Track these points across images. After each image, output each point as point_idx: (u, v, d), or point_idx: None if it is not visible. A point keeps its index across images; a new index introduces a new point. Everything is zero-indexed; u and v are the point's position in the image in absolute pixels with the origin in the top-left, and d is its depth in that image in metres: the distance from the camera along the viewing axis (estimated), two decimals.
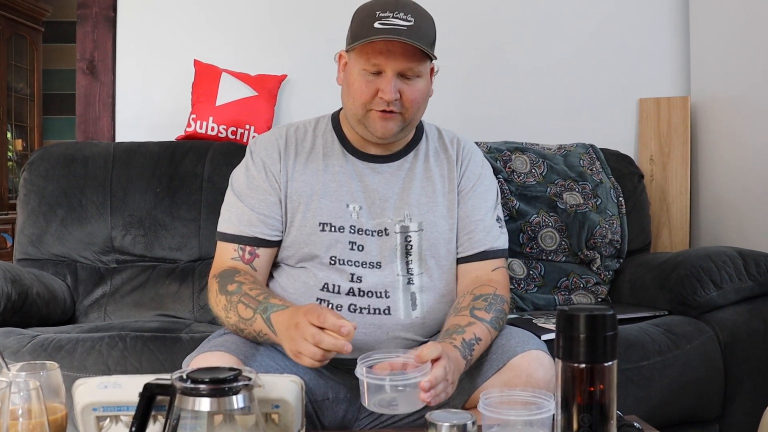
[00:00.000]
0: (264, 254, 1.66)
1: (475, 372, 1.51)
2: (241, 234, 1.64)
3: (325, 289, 1.62)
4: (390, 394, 1.29)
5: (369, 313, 1.62)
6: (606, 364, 0.97)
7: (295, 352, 1.34)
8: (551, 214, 2.55)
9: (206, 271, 2.40)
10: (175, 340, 1.96)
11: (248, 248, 1.64)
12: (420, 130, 1.76)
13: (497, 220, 1.74)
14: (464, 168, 1.74)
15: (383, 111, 1.59)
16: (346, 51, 1.64)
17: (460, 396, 1.51)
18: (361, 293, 1.62)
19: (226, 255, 1.65)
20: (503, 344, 1.55)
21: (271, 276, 1.72)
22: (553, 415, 1.09)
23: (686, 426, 2.09)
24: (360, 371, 1.30)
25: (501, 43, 3.02)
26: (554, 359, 1.01)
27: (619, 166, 2.76)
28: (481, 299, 1.59)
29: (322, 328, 1.31)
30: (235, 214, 1.66)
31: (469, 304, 1.58)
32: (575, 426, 0.98)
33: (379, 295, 1.62)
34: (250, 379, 1.06)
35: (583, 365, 0.97)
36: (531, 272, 2.52)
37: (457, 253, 1.70)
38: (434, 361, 1.31)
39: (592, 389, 0.97)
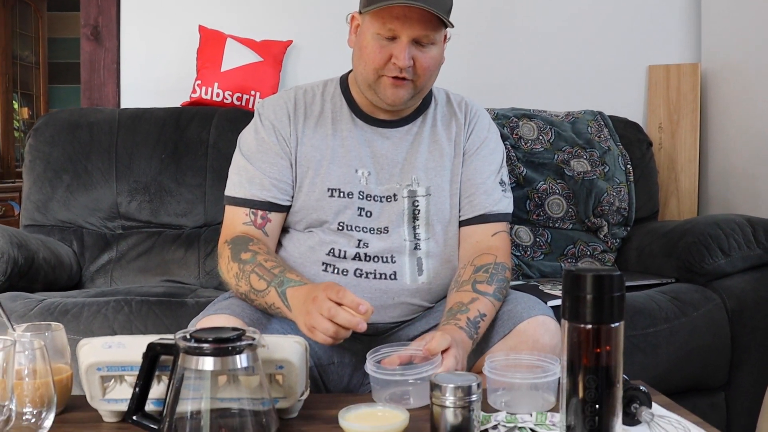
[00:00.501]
0: (275, 219, 1.64)
1: (481, 338, 1.50)
2: (252, 198, 1.61)
3: (330, 254, 1.61)
4: (402, 388, 1.28)
5: (375, 278, 1.61)
6: (613, 326, 0.96)
7: (309, 326, 1.33)
8: (558, 181, 2.54)
9: (212, 237, 2.43)
10: (181, 304, 1.96)
11: (260, 213, 1.61)
12: (429, 94, 1.74)
13: (501, 183, 1.72)
14: (470, 130, 1.72)
15: (395, 77, 1.56)
16: (360, 13, 1.60)
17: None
18: (367, 258, 1.61)
19: (237, 220, 1.62)
20: (509, 310, 1.54)
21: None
22: (559, 378, 1.07)
23: (692, 394, 2.09)
24: (370, 366, 1.29)
25: (509, 7, 2.99)
26: (560, 321, 1.00)
27: (628, 133, 2.75)
28: (482, 271, 1.58)
29: (339, 304, 1.29)
30: (245, 178, 1.63)
31: (471, 277, 1.57)
32: (581, 388, 0.96)
33: (385, 260, 1.62)
34: (253, 339, 1.06)
35: (590, 326, 0.95)
36: (537, 239, 2.51)
37: (459, 216, 1.69)
38: (444, 351, 1.31)
39: (598, 351, 0.96)
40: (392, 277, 1.62)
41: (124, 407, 1.16)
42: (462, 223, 1.69)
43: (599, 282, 0.95)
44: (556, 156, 2.57)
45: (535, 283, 2.26)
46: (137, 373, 1.12)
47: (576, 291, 0.97)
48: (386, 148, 1.67)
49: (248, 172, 1.63)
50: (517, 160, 2.54)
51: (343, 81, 1.73)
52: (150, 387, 1.13)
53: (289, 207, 1.65)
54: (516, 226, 2.51)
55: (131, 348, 1.15)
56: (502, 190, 1.71)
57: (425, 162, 1.67)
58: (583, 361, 0.96)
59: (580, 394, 0.96)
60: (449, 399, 1.08)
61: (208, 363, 1.03)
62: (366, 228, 1.62)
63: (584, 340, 0.96)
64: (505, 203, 1.72)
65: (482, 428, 1.17)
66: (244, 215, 1.62)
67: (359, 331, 1.29)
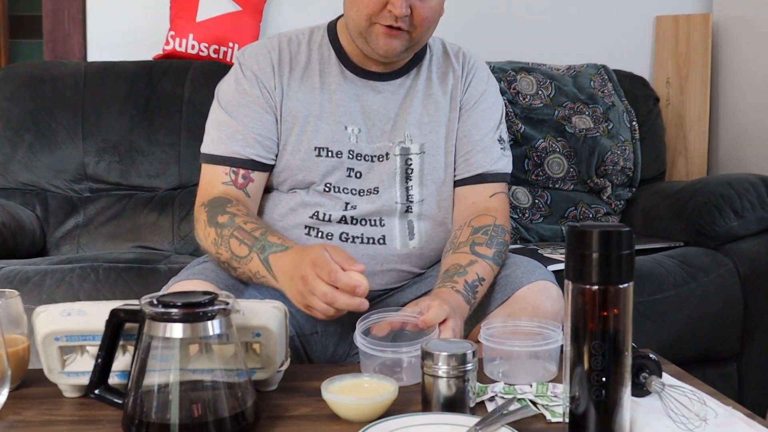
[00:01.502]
0: (258, 179, 1.61)
1: (477, 305, 1.50)
2: (233, 155, 1.58)
3: (315, 217, 1.60)
4: (394, 360, 1.27)
5: (362, 242, 1.60)
6: (621, 286, 0.95)
7: (305, 306, 1.31)
8: (559, 138, 2.53)
9: (187, 200, 2.41)
10: (153, 271, 1.95)
11: (242, 171, 1.58)
12: (424, 45, 1.70)
13: (499, 141, 1.70)
14: (468, 83, 1.70)
15: (389, 27, 1.52)
16: None
17: None
18: (354, 221, 1.60)
19: (215, 179, 1.58)
20: (508, 275, 1.54)
21: None
22: (561, 346, 1.08)
23: (702, 364, 2.10)
24: (359, 339, 1.28)
25: None
26: (563, 285, 0.99)
27: (633, 88, 2.74)
28: (480, 232, 1.57)
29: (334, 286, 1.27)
30: (225, 133, 1.59)
31: (468, 239, 1.56)
32: (586, 356, 0.96)
33: (373, 223, 1.61)
34: (227, 303, 1.05)
35: (596, 287, 0.94)
36: (536, 201, 2.52)
37: (455, 175, 1.68)
38: (441, 323, 1.30)
39: (605, 314, 0.95)
40: (381, 241, 1.60)
41: (85, 380, 1.14)
42: (457, 183, 1.68)
43: (606, 238, 0.94)
44: (556, 112, 2.57)
45: (534, 247, 2.27)
46: (99, 343, 1.10)
47: (581, 248, 0.95)
48: (378, 103, 1.64)
49: (229, 126, 1.59)
50: (514, 116, 2.53)
51: (332, 28, 1.69)
52: (113, 358, 1.11)
53: (273, 166, 1.62)
54: (514, 187, 2.51)
55: (92, 315, 1.13)
56: (501, 148, 1.70)
57: (419, 117, 1.65)
58: (588, 325, 0.96)
59: (586, 363, 0.96)
60: (442, 368, 1.07)
61: (177, 330, 1.01)
62: (355, 190, 1.61)
63: (590, 302, 0.95)
64: (504, 162, 1.70)
65: (478, 400, 1.16)
66: (223, 174, 1.58)
67: (361, 311, 1.27)
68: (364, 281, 1.25)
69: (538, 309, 1.47)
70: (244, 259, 1.44)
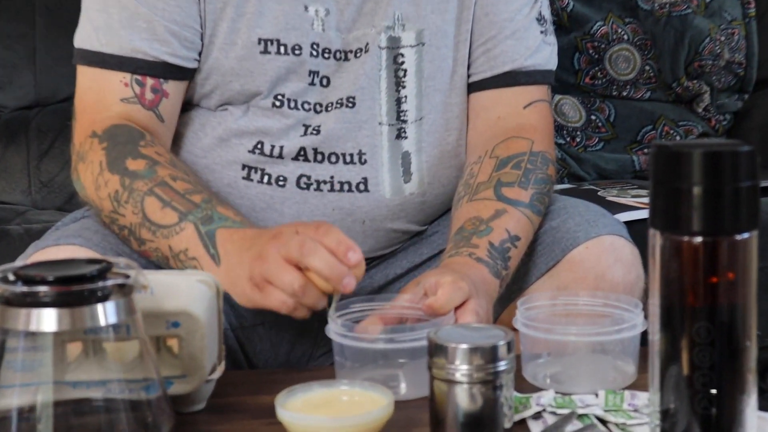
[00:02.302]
0: (174, 92, 1.61)
1: (513, 274, 1.53)
2: (134, 56, 1.56)
3: (257, 151, 1.61)
4: (387, 370, 1.28)
5: (332, 189, 1.62)
6: (740, 237, 0.93)
7: (260, 280, 1.30)
8: (627, 20, 2.58)
9: (50, 125, 2.44)
10: (2, 235, 1.98)
11: (150, 81, 1.58)
12: None
13: (538, 20, 1.71)
14: None
15: None
16: None
17: None
18: (320, 157, 1.62)
19: (107, 94, 1.58)
20: (555, 228, 1.58)
21: None
22: (644, 333, 1.10)
23: None
24: (335, 330, 1.29)
25: None
26: (646, 235, 0.97)
27: None
28: (510, 165, 1.60)
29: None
30: (119, 18, 1.56)
31: (492, 176, 1.59)
32: (685, 348, 0.94)
33: (350, 158, 1.63)
34: (127, 276, 1.04)
35: (700, 238, 0.92)
36: (593, 118, 2.56)
37: (469, 76, 1.70)
38: (458, 307, 1.31)
39: (714, 281, 0.93)
40: (361, 186, 1.63)
41: None
42: (475, 88, 1.70)
43: (716, 162, 0.92)
44: None
45: (592, 187, 2.32)
46: None
47: (675, 179, 0.93)
48: None
49: (125, 9, 1.57)
50: None
51: None
52: None
53: (194, 71, 1.62)
54: (558, 97, 2.55)
55: None
56: (541, 32, 1.72)
57: None
58: (688, 299, 0.94)
59: (685, 359, 0.94)
60: (461, 370, 1.05)
61: (47, 320, 0.99)
62: (319, 105, 1.62)
63: (690, 263, 0.93)
64: (546, 53, 1.72)
65: (517, 418, 1.16)
66: (121, 86, 1.57)
67: (345, 292, 1.27)
68: (358, 251, 1.26)
69: (604, 277, 1.49)
70: (165, 230, 1.44)
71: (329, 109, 1.61)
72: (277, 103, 1.60)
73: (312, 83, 1.61)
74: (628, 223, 1.73)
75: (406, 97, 1.64)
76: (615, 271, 1.49)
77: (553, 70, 1.73)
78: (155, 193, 1.45)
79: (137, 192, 1.46)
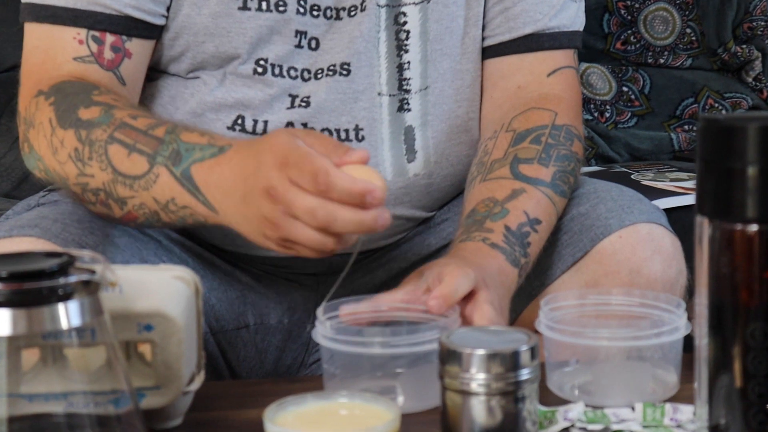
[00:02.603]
0: (139, 52, 1.61)
1: (533, 268, 1.54)
2: (92, 8, 1.56)
3: (237, 127, 1.63)
4: (384, 381, 1.29)
5: None
6: None
7: (280, 242, 1.29)
8: None
9: None
10: None
11: (111, 38, 1.58)
12: None
13: None
14: None
15: None
16: None
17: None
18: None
19: (58, 52, 1.58)
20: (584, 214, 1.59)
21: None
22: (687, 337, 1.14)
23: None
24: (322, 332, 1.29)
25: None
26: (692, 223, 0.98)
27: None
28: (528, 139, 1.62)
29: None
30: None
31: (508, 152, 1.61)
32: (738, 355, 0.96)
33: (345, 135, 1.65)
34: (93, 272, 1.03)
35: (756, 227, 0.93)
36: (624, 90, 2.58)
37: (484, 39, 1.71)
38: (466, 299, 1.32)
39: None
40: None
41: None
42: (490, 53, 1.72)
43: None
44: None
45: (624, 169, 2.35)
46: None
47: (726, 159, 0.95)
48: None
49: None
50: None
51: None
52: None
53: (162, 29, 1.63)
54: (584, 65, 2.58)
55: None
56: None
57: None
58: (741, 297, 0.96)
59: (737, 367, 0.95)
60: (478, 379, 1.07)
61: (0, 322, 0.99)
62: (308, 71, 1.63)
63: (744, 255, 0.95)
64: (572, 12, 1.74)
65: None
66: (74, 43, 1.57)
67: (379, 230, 1.25)
68: (378, 178, 1.24)
69: (640, 273, 1.51)
70: (142, 181, 1.43)
71: (319, 76, 1.63)
72: (259, 69, 1.62)
73: (299, 45, 1.62)
74: (667, 211, 1.75)
75: (409, 63, 1.66)
76: (653, 264, 1.50)
77: (580, 31, 1.74)
78: (117, 139, 1.44)
79: (98, 143, 1.45)
